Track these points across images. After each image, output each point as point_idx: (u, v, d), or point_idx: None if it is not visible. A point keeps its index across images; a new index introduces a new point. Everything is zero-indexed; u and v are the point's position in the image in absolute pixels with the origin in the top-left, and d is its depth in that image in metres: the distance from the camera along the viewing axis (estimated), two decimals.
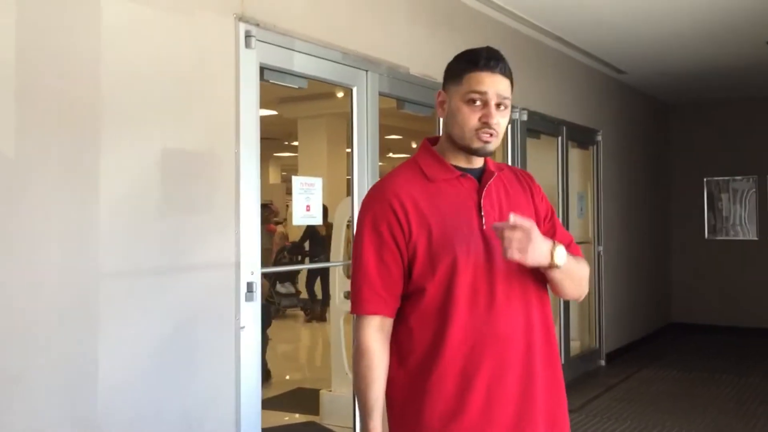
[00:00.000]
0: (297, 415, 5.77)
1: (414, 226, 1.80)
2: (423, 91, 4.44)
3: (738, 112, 9.21)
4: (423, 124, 6.12)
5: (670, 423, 5.39)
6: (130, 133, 2.84)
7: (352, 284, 1.86)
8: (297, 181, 3.78)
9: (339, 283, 5.60)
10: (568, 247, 1.89)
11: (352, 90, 4.05)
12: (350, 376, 1.91)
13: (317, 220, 3.90)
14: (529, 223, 1.71)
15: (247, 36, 3.30)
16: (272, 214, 10.85)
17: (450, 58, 1.91)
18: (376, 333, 1.82)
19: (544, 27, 5.86)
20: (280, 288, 10.68)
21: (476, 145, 1.82)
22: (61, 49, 2.61)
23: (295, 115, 10.17)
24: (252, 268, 3.32)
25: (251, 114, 3.33)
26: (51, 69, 2.58)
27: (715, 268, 9.38)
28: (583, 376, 6.87)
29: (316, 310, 10.66)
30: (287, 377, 7.42)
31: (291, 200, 3.80)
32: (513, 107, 5.55)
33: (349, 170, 4.15)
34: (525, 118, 5.74)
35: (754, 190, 9.20)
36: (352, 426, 4.18)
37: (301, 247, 10.38)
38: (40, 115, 2.55)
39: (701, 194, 9.52)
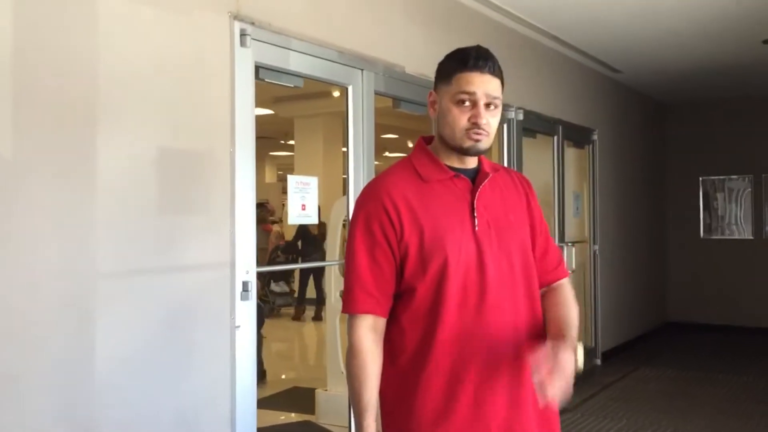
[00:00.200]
0: (293, 415, 5.77)
1: (406, 225, 1.80)
2: (419, 90, 4.43)
3: (734, 111, 9.23)
4: (419, 123, 6.12)
5: (666, 422, 5.40)
6: (126, 132, 2.83)
7: (345, 283, 1.86)
8: (292, 180, 3.77)
9: (335, 282, 5.59)
10: (557, 269, 1.97)
11: (347, 89, 4.04)
12: (345, 374, 1.91)
13: (313, 219, 3.90)
14: (565, 363, 1.73)
15: (243, 35, 3.29)
16: (268, 213, 10.85)
17: None
18: (369, 332, 1.82)
19: (540, 26, 5.86)
20: (275, 287, 10.69)
21: (467, 144, 1.82)
22: (57, 49, 2.60)
23: (291, 114, 10.18)
24: (247, 268, 3.31)
25: (246, 113, 3.33)
26: (48, 68, 2.57)
27: (711, 267, 9.40)
28: (578, 375, 6.86)
29: (302, 309, 10.68)
30: (283, 376, 7.42)
31: (287, 199, 3.79)
32: (509, 106, 5.61)
33: (345, 169, 4.15)
34: (521, 117, 5.73)
35: (749, 189, 9.22)
36: (347, 425, 4.18)
37: (294, 246, 10.38)
38: (37, 114, 2.54)
39: (697, 193, 9.53)
